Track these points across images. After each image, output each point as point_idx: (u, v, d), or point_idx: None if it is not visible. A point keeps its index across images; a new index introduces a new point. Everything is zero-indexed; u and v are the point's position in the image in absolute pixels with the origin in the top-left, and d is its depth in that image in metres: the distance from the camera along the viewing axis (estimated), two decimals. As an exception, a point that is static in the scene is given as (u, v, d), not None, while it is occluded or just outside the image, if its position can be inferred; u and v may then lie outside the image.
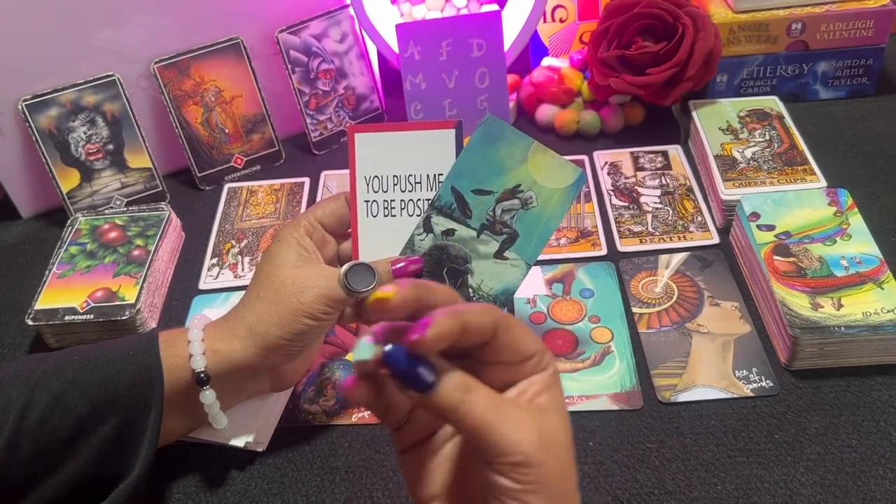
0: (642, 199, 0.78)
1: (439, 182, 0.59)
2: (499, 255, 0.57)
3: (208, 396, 0.53)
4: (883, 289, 0.61)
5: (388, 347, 0.33)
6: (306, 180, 0.86)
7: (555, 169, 0.56)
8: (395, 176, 0.59)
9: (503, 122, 0.58)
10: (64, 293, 0.68)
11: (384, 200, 0.59)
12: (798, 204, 0.69)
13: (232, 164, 0.87)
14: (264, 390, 0.58)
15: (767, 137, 0.80)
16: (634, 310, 0.67)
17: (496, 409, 0.34)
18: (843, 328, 0.58)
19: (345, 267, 0.53)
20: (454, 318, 0.33)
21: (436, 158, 0.59)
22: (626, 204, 0.78)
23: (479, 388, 0.34)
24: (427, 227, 0.58)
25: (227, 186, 0.87)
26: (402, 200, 0.59)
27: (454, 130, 0.59)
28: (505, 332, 0.35)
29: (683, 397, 0.59)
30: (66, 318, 0.66)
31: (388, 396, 0.38)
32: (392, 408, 0.39)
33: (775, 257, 0.64)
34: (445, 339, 0.32)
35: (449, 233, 0.58)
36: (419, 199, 0.59)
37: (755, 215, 0.68)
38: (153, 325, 0.70)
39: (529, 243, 0.56)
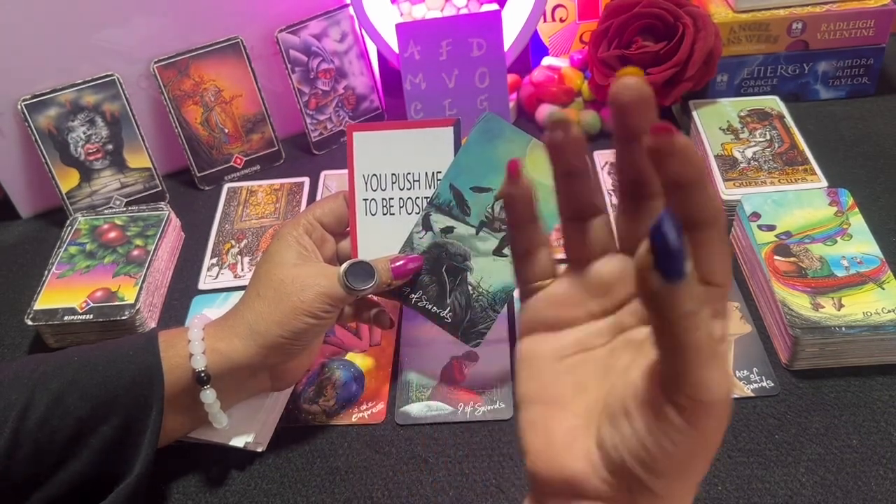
0: (642, 199, 0.78)
1: (438, 180, 0.59)
2: (498, 251, 0.57)
3: (209, 395, 0.53)
4: (883, 289, 0.61)
5: (665, 214, 0.25)
6: (306, 180, 0.86)
7: None
8: (393, 174, 0.59)
9: (501, 120, 0.58)
10: (63, 293, 0.68)
11: (383, 199, 0.59)
12: (798, 204, 0.69)
13: (231, 163, 0.87)
14: (264, 389, 0.58)
15: (768, 137, 0.80)
16: (635, 310, 0.67)
17: (712, 339, 0.27)
18: (843, 328, 0.58)
19: (344, 265, 0.53)
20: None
21: (434, 156, 0.59)
22: (627, 204, 0.78)
23: (708, 308, 0.28)
24: (426, 224, 0.58)
25: (226, 186, 0.86)
26: (400, 198, 0.59)
27: (452, 128, 0.59)
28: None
29: (684, 397, 0.59)
30: (66, 318, 0.66)
31: (535, 231, 0.35)
32: (535, 252, 0.35)
33: (776, 257, 0.64)
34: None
35: (448, 230, 0.58)
36: (418, 197, 0.59)
37: (756, 215, 0.68)
38: (153, 325, 0.70)
39: None
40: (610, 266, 0.33)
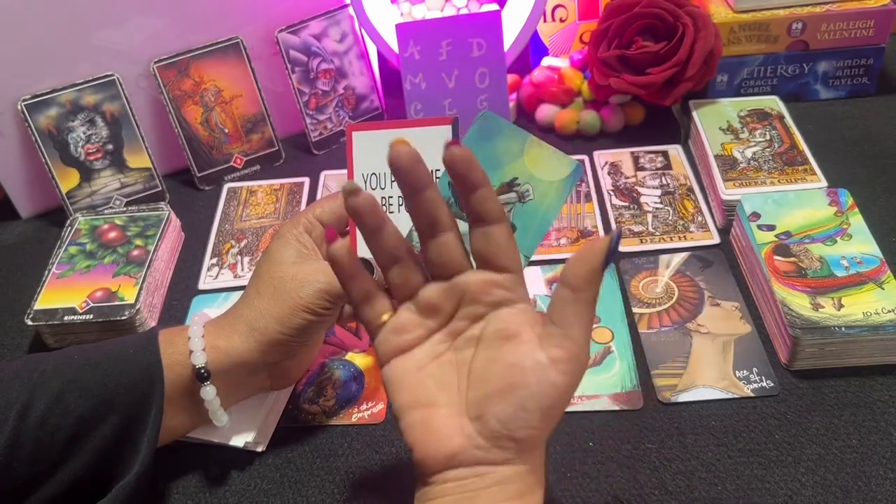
0: (642, 199, 0.78)
1: (436, 178, 0.59)
2: None
3: (209, 392, 0.53)
4: (883, 289, 0.61)
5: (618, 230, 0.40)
6: (306, 180, 0.86)
7: (551, 161, 0.57)
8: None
9: (498, 117, 0.58)
10: (63, 293, 0.68)
11: (382, 197, 0.59)
12: (798, 204, 0.69)
13: (231, 163, 0.87)
14: (264, 388, 0.58)
15: (768, 137, 0.80)
16: (635, 310, 0.67)
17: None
18: (843, 328, 0.58)
19: None
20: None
21: (433, 155, 0.59)
22: (627, 204, 0.78)
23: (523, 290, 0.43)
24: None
25: (226, 186, 0.86)
26: (399, 197, 0.59)
27: (451, 126, 0.59)
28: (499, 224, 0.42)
29: (684, 397, 0.59)
30: (66, 318, 0.66)
31: (366, 282, 0.43)
32: (372, 297, 0.43)
33: (776, 257, 0.64)
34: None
35: None
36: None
37: (755, 215, 0.68)
38: (153, 325, 0.70)
39: (527, 236, 0.56)
40: (433, 291, 0.43)
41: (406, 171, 0.40)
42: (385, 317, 0.43)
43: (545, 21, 0.93)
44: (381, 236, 0.42)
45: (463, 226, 0.57)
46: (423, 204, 0.41)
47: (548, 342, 0.40)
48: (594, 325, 0.65)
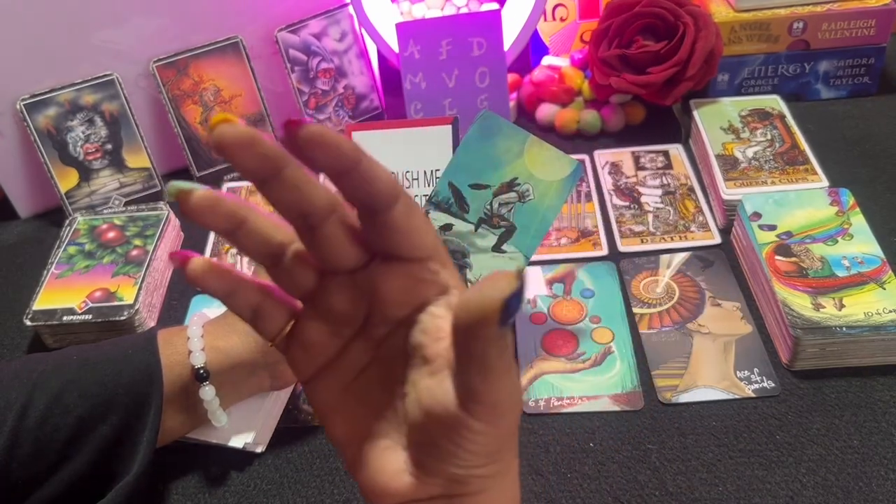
0: (643, 199, 0.78)
1: (436, 178, 0.59)
2: (497, 248, 0.57)
3: (208, 393, 0.53)
4: (884, 289, 0.61)
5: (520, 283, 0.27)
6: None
7: (551, 161, 0.56)
8: (392, 173, 0.59)
9: (498, 117, 0.57)
10: (62, 293, 0.68)
11: None
12: (799, 204, 0.69)
13: (231, 163, 0.87)
14: (264, 389, 0.58)
15: (769, 137, 0.79)
16: (635, 310, 0.67)
17: (509, 356, 0.31)
18: (844, 328, 0.58)
19: None
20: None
21: (433, 154, 0.59)
22: (627, 204, 0.78)
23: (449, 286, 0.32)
24: None
25: (226, 186, 0.86)
26: None
27: (451, 126, 0.59)
28: (404, 204, 0.30)
29: (684, 398, 0.59)
30: (65, 318, 0.66)
31: (248, 295, 0.33)
32: (263, 311, 0.33)
33: (777, 257, 0.64)
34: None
35: (447, 227, 0.58)
36: (417, 195, 0.59)
37: (756, 215, 0.68)
38: (152, 325, 0.70)
39: (527, 236, 0.56)
40: (335, 293, 0.33)
41: (233, 153, 0.28)
42: (287, 326, 0.34)
43: (545, 20, 0.93)
44: (240, 236, 0.32)
45: (464, 226, 0.57)
46: (281, 190, 0.29)
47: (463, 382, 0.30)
48: (595, 326, 0.65)
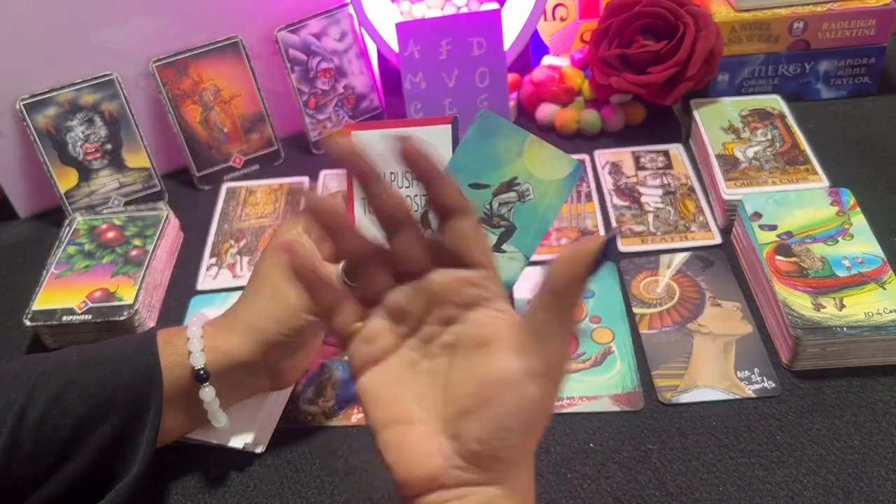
0: (643, 199, 0.78)
1: None
2: (497, 248, 0.57)
3: (208, 393, 0.53)
4: (885, 289, 0.60)
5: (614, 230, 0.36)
6: (305, 180, 0.85)
7: (551, 161, 0.56)
8: (391, 173, 0.59)
9: (498, 117, 0.57)
10: (62, 293, 0.68)
11: None
12: (800, 204, 0.69)
13: (231, 163, 0.87)
14: (263, 389, 0.58)
15: (769, 137, 0.79)
16: (635, 310, 0.66)
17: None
18: (845, 328, 0.58)
19: (343, 263, 0.53)
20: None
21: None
22: (628, 204, 0.78)
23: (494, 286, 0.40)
24: (424, 222, 0.58)
25: (225, 186, 0.86)
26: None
27: (450, 126, 0.59)
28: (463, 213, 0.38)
29: (685, 398, 0.59)
30: (64, 318, 0.66)
31: (331, 291, 0.40)
32: (340, 307, 0.40)
33: (777, 257, 0.64)
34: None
35: None
36: (416, 195, 0.59)
37: (757, 215, 0.68)
38: (151, 325, 0.69)
39: (527, 236, 0.56)
40: (401, 294, 0.40)
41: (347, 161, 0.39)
42: (356, 326, 0.40)
43: (545, 20, 0.93)
44: (339, 236, 0.39)
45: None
46: (380, 197, 0.39)
47: (525, 351, 0.37)
48: (595, 326, 0.65)
